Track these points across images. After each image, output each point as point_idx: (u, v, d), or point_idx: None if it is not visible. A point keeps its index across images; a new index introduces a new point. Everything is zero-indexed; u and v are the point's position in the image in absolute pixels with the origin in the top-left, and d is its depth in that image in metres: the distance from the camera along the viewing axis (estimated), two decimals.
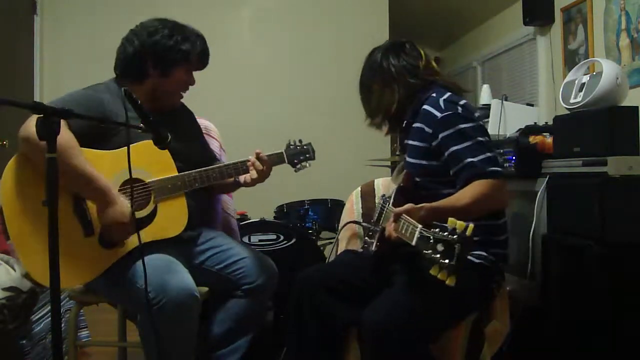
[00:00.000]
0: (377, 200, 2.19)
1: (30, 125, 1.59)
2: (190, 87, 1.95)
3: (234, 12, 4.12)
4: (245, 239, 2.50)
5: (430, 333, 1.60)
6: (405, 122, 1.82)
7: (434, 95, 1.75)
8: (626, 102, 2.12)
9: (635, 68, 2.72)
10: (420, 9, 4.87)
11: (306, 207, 2.91)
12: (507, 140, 2.45)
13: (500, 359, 1.81)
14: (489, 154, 1.62)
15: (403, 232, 1.44)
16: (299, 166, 2.00)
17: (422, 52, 1.85)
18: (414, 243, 1.33)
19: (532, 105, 3.43)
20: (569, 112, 2.25)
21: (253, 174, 1.87)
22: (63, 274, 1.20)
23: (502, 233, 1.75)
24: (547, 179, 2.19)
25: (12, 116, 1.81)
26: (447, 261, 1.20)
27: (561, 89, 2.33)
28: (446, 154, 1.66)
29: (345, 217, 2.30)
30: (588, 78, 2.18)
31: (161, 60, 1.82)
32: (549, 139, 2.30)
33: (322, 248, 2.70)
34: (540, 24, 3.66)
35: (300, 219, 2.89)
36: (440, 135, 1.67)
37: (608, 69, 2.10)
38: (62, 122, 1.58)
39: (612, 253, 1.89)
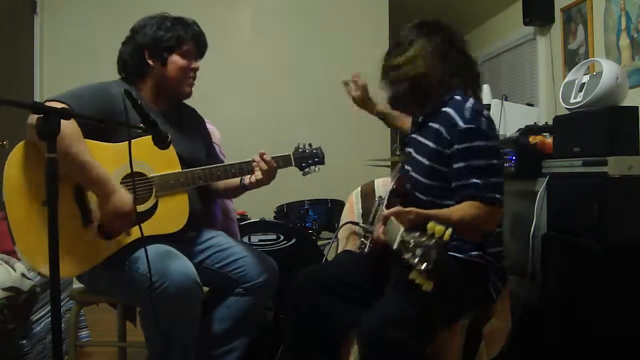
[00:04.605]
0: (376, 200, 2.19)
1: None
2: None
3: (234, 12, 4.12)
4: (245, 239, 2.50)
5: (424, 336, 1.57)
6: (421, 117, 1.75)
7: (458, 98, 1.65)
8: (626, 102, 2.12)
9: (635, 68, 2.72)
10: (420, 9, 4.84)
11: (306, 207, 2.91)
12: (507, 140, 2.45)
13: (500, 359, 1.81)
14: (494, 180, 1.56)
15: (389, 235, 1.43)
16: (307, 170, 1.94)
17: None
18: (395, 246, 1.32)
19: (532, 105, 3.43)
20: (569, 112, 2.25)
21: (258, 174, 1.85)
22: (60, 263, 1.20)
23: (496, 245, 1.71)
24: (547, 179, 2.19)
25: (12, 116, 1.81)
26: (424, 266, 1.20)
27: (561, 89, 2.33)
28: (455, 166, 1.60)
29: (345, 217, 2.30)
30: (588, 78, 2.18)
31: (156, 50, 1.84)
32: (549, 139, 2.30)
33: (322, 248, 2.69)
34: (540, 24, 3.65)
35: (300, 219, 2.89)
36: (456, 147, 1.59)
37: (608, 69, 2.10)
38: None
39: (612, 253, 1.89)
